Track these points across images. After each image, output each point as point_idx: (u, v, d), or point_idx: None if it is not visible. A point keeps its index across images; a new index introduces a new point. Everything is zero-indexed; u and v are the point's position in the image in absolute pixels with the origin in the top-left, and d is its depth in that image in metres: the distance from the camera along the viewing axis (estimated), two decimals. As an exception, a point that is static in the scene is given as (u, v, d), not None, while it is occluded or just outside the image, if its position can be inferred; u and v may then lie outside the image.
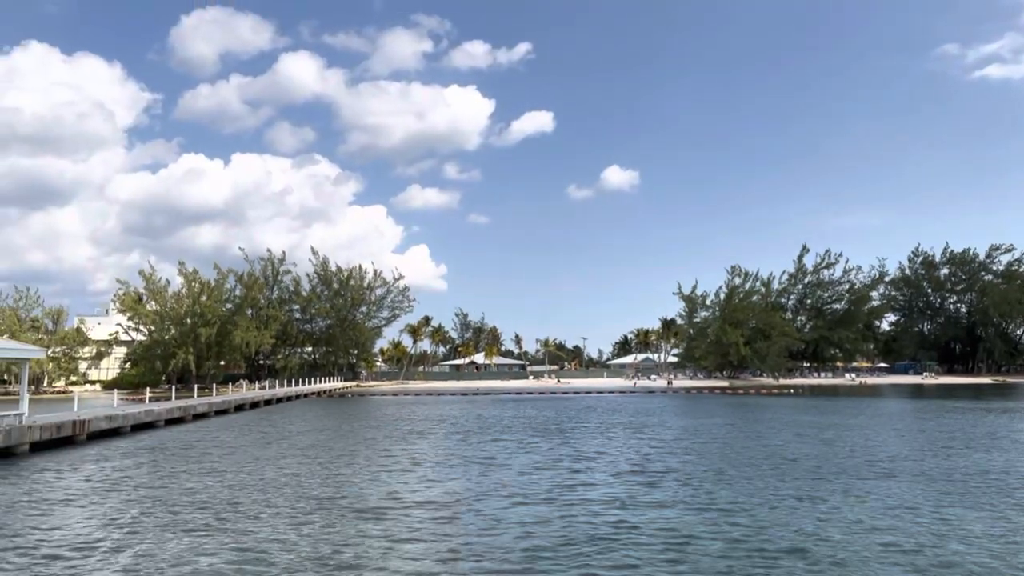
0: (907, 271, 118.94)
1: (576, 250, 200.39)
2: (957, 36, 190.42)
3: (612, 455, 20.48)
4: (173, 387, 47.83)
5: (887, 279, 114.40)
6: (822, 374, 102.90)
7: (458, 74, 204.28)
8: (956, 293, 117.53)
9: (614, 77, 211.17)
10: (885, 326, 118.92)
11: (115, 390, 56.67)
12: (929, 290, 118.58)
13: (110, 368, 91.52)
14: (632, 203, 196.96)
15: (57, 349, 79.36)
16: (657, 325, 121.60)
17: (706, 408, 43.58)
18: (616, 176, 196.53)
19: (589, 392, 68.11)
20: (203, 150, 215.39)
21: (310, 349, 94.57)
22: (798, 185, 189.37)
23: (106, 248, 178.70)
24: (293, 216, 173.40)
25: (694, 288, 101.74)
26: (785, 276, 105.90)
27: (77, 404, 30.72)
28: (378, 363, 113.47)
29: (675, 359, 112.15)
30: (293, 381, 67.85)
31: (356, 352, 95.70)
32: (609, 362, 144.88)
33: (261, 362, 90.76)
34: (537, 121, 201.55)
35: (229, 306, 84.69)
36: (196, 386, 54.34)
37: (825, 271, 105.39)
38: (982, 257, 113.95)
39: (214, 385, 56.06)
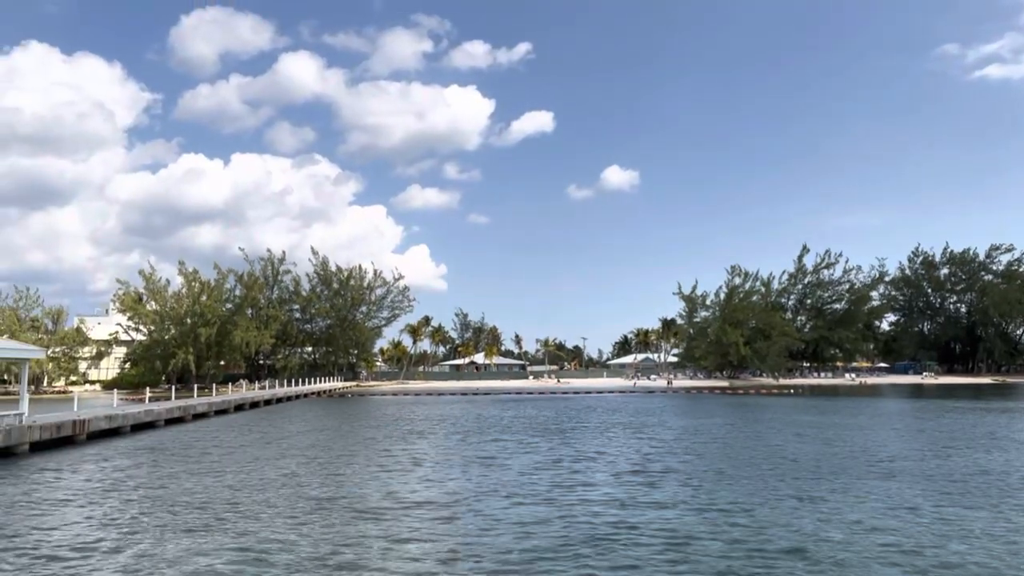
0: (907, 271, 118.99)
1: (576, 250, 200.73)
2: (957, 36, 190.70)
3: (612, 455, 20.48)
4: (173, 387, 47.83)
5: (887, 279, 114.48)
6: (822, 374, 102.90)
7: (458, 74, 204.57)
8: (956, 293, 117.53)
9: (614, 77, 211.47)
10: (885, 326, 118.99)
11: (115, 390, 56.65)
12: (929, 290, 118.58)
13: (110, 368, 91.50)
14: (632, 203, 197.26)
15: (57, 349, 79.34)
16: (657, 325, 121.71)
17: (706, 408, 43.58)
18: (616, 176, 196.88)
19: (589, 392, 68.10)
20: (203, 150, 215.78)
21: (310, 349, 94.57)
22: (798, 185, 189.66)
23: (106, 248, 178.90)
24: (293, 216, 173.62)
25: (694, 288, 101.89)
26: (785, 276, 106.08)
27: (77, 404, 30.73)
28: (378, 363, 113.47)
29: (675, 359, 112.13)
30: (293, 381, 67.82)
31: (356, 352, 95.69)
32: (609, 362, 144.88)
33: (261, 362, 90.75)
34: (537, 121, 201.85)
35: (229, 306, 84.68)
36: (196, 386, 54.31)
37: (825, 271, 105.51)
38: (982, 257, 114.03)
39: (214, 385, 56.04)
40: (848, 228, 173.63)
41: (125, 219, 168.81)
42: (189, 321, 79.36)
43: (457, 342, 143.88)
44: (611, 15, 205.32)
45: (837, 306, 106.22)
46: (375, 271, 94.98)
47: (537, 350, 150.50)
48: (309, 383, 71.91)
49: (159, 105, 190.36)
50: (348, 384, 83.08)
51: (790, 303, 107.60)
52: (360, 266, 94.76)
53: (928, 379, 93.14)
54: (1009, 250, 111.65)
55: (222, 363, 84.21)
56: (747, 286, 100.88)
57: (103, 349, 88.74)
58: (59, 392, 72.14)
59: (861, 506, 12.64)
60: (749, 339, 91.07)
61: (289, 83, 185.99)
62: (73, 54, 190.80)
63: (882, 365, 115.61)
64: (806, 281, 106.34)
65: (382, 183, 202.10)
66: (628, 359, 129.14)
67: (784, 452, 20.64)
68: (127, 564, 9.39)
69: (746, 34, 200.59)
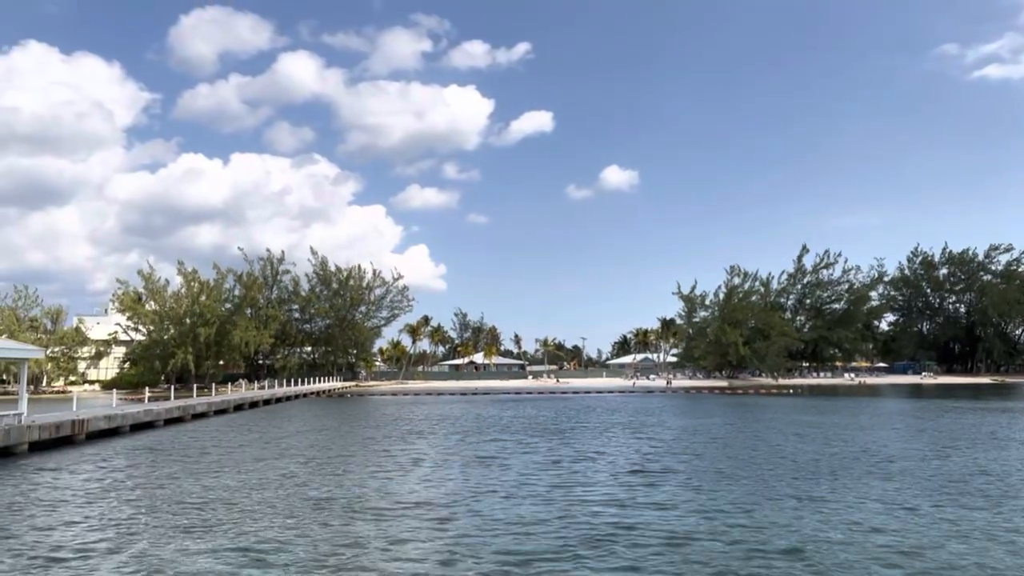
0: (906, 271, 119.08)
1: (575, 250, 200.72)
2: (956, 36, 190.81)
3: (611, 455, 20.48)
4: (172, 387, 47.81)
5: (886, 279, 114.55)
6: (821, 374, 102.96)
7: (457, 74, 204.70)
8: (955, 293, 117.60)
9: (613, 77, 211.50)
10: (884, 326, 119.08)
11: (114, 390, 56.63)
12: (928, 290, 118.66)
13: (109, 368, 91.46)
14: (631, 203, 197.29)
15: (56, 349, 79.31)
16: (656, 325, 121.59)
17: (705, 408, 43.59)
18: (615, 176, 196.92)
19: (588, 392, 68.12)
20: (202, 150, 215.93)
21: (309, 349, 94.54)
22: (798, 185, 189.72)
23: (105, 248, 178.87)
24: (292, 216, 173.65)
25: (693, 288, 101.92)
26: (784, 276, 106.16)
27: (76, 404, 30.72)
28: (377, 363, 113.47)
29: (674, 359, 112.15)
30: (292, 381, 67.81)
31: (355, 352, 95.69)
32: (608, 362, 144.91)
33: (260, 362, 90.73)
34: (536, 121, 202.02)
35: (228, 306, 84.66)
36: (195, 386, 54.29)
37: (824, 271, 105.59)
38: (981, 257, 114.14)
39: (213, 385, 56.03)
40: (848, 228, 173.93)
41: (124, 219, 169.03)
42: (188, 321, 79.35)
43: (456, 342, 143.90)
44: (610, 15, 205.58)
45: (836, 306, 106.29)
46: (374, 271, 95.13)
47: (536, 350, 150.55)
48: (308, 383, 71.90)
49: (158, 105, 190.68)
50: (347, 384, 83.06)
51: (789, 303, 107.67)
52: (359, 266, 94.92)
53: (927, 379, 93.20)
54: (1008, 250, 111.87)
55: (221, 363, 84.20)
56: (746, 286, 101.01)
57: (102, 349, 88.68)
58: (58, 392, 72.12)
59: (861, 506, 12.64)
60: (748, 339, 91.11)
61: (288, 83, 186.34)
62: (72, 54, 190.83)
63: (881, 365, 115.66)
64: (805, 281, 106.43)
65: (381, 183, 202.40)
66: (627, 359, 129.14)
67: (783, 452, 20.65)
68: (126, 564, 9.38)
69: (746, 34, 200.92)
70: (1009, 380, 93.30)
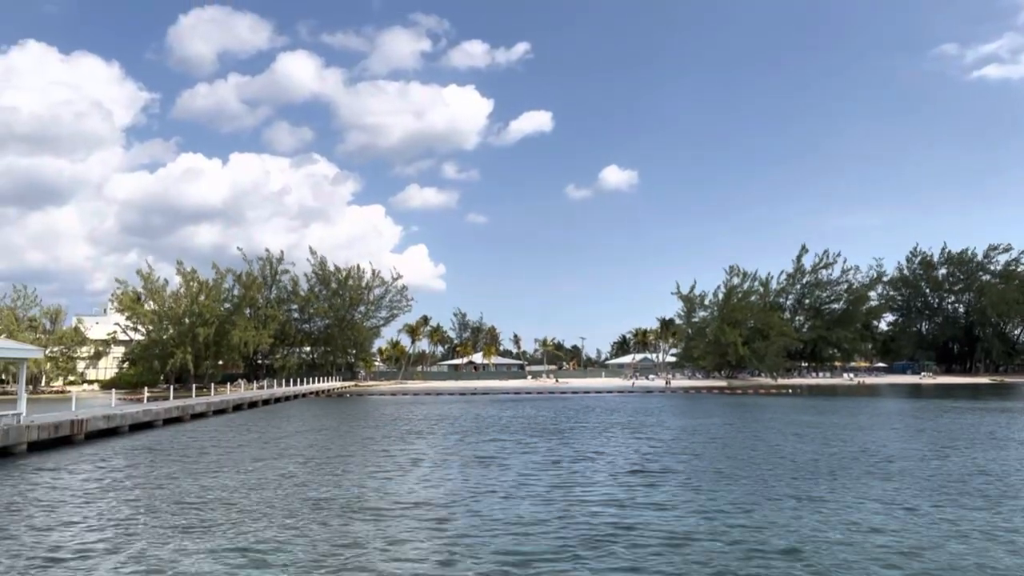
0: (905, 271, 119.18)
1: (575, 250, 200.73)
2: (956, 36, 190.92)
3: (610, 455, 20.48)
4: (171, 387, 47.79)
5: (885, 279, 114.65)
6: (820, 374, 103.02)
7: (457, 74, 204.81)
8: (954, 293, 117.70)
9: (612, 77, 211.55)
10: (883, 326, 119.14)
11: (113, 390, 56.59)
12: (927, 290, 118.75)
13: (108, 368, 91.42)
14: (631, 203, 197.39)
15: (55, 349, 79.26)
16: (655, 325, 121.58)
17: (704, 408, 43.60)
18: (614, 176, 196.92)
19: (587, 392, 68.13)
20: (201, 149, 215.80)
21: (308, 349, 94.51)
22: (798, 185, 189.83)
23: (104, 248, 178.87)
24: (291, 216, 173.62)
25: (692, 288, 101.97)
26: (783, 276, 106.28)
27: (75, 404, 30.69)
28: (376, 363, 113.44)
29: (673, 359, 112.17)
30: (291, 381, 67.82)
31: (354, 352, 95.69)
32: (607, 362, 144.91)
33: (259, 362, 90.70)
34: (535, 121, 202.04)
35: (227, 306, 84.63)
36: (194, 386, 54.30)
37: (823, 271, 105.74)
38: (980, 257, 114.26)
39: (212, 385, 56.01)
40: (848, 228, 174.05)
41: (123, 219, 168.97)
42: (187, 321, 79.32)
43: (455, 342, 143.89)
44: (610, 15, 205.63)
45: (835, 306, 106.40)
46: (373, 271, 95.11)
47: (535, 350, 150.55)
48: (307, 383, 71.88)
49: (157, 104, 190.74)
50: (346, 384, 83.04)
51: (788, 303, 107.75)
52: (358, 266, 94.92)
53: (926, 379, 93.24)
54: (1007, 250, 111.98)
55: (220, 363, 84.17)
56: (745, 286, 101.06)
57: (101, 349, 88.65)
58: (57, 392, 72.08)
59: (860, 506, 12.64)
60: (747, 339, 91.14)
61: (287, 82, 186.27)
62: (71, 53, 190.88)
63: (880, 365, 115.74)
64: (804, 281, 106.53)
65: (380, 183, 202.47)
66: (626, 359, 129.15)
67: (783, 452, 20.65)
68: (125, 564, 9.37)
69: (745, 34, 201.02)
70: (1008, 380, 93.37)
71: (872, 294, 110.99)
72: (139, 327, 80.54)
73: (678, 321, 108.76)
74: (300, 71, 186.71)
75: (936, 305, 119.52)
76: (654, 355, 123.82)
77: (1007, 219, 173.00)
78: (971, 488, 14.44)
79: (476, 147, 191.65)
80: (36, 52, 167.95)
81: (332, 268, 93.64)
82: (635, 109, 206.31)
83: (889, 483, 15.09)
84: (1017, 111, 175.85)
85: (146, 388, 43.32)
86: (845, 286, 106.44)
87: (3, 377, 72.90)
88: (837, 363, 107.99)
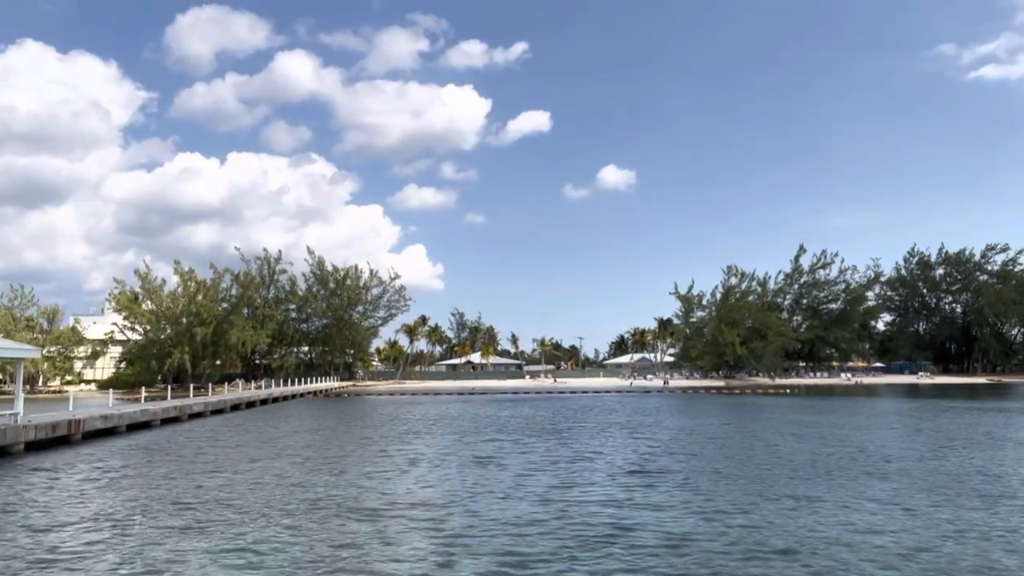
0: (903, 271, 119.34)
1: (573, 250, 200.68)
2: (953, 36, 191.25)
3: (608, 455, 20.48)
4: (169, 387, 47.71)
5: (883, 279, 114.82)
6: (818, 374, 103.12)
7: (455, 73, 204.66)
8: (951, 293, 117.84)
9: (611, 77, 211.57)
10: (881, 326, 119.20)
11: (110, 390, 56.41)
12: (925, 290, 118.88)
13: (105, 367, 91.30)
14: (629, 203, 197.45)
15: (52, 348, 79.17)
16: (653, 325, 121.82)
17: (702, 408, 43.63)
18: (613, 176, 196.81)
19: (586, 392, 68.14)
20: (199, 149, 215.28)
21: (306, 349, 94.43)
22: (798, 185, 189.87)
23: (102, 247, 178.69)
24: (289, 215, 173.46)
25: (690, 288, 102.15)
26: (781, 276, 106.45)
27: (72, 403, 30.62)
28: (374, 363, 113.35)
29: (671, 359, 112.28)
30: (289, 381, 67.76)
31: (352, 352, 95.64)
32: (606, 362, 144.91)
33: (257, 361, 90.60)
34: (534, 120, 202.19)
35: (225, 305, 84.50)
36: (192, 385, 54.10)
37: (821, 271, 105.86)
38: (977, 257, 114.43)
39: (210, 384, 55.95)
40: (848, 228, 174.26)
41: (121, 218, 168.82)
42: (185, 320, 79.19)
43: (454, 342, 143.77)
44: (608, 15, 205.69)
45: (833, 306, 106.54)
46: (371, 271, 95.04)
47: (534, 350, 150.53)
48: (305, 383, 71.83)
49: (155, 104, 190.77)
50: (344, 384, 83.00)
51: (786, 303, 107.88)
52: (356, 266, 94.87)
53: (924, 379, 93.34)
54: (1004, 250, 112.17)
55: (218, 363, 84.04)
56: (743, 286, 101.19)
57: (99, 348, 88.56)
58: (54, 392, 72.00)
59: (858, 506, 12.65)
60: (745, 339, 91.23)
61: (285, 82, 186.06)
62: (69, 52, 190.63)
63: (878, 365, 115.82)
64: (802, 281, 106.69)
65: (379, 182, 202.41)
66: (625, 359, 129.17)
67: (780, 452, 20.66)
68: (122, 565, 9.35)
69: (742, 34, 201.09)
70: (1005, 380, 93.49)
71: (870, 294, 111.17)
72: (136, 327, 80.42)
73: (676, 321, 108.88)
74: (298, 71, 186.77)
75: (933, 305, 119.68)
76: (652, 355, 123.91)
77: (1005, 219, 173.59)
78: (969, 488, 14.45)
79: (474, 147, 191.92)
80: (34, 51, 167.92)
81: (330, 268, 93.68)
82: (633, 109, 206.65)
83: (887, 483, 15.11)
84: (1014, 111, 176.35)
85: (143, 388, 43.29)
86: (843, 286, 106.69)
87: (0, 377, 72.75)
88: (835, 363, 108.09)
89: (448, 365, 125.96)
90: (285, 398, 56.59)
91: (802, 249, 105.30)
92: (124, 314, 79.64)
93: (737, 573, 8.84)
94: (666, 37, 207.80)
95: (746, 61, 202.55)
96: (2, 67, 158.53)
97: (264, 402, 50.56)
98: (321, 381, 78.94)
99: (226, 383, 58.98)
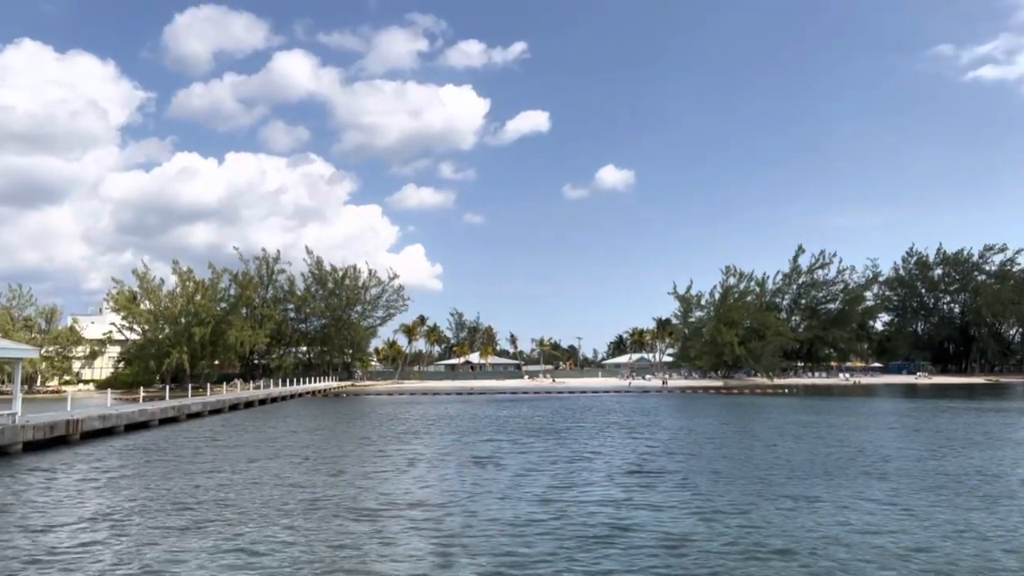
0: (901, 271, 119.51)
1: (571, 250, 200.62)
2: (951, 37, 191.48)
3: (607, 455, 20.49)
4: (167, 386, 47.67)
5: (881, 279, 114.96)
6: (816, 374, 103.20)
7: (453, 73, 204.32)
8: (950, 293, 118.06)
9: (609, 76, 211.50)
10: (879, 326, 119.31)
11: (108, 389, 56.32)
12: (923, 290, 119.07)
13: (103, 367, 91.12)
14: (627, 203, 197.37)
15: (50, 348, 79.00)
16: (652, 325, 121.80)
17: (701, 408, 43.65)
18: (611, 176, 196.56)
19: (584, 392, 68.16)
20: (197, 149, 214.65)
21: (305, 348, 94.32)
22: (798, 185, 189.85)
23: (100, 247, 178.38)
24: (288, 215, 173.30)
25: (689, 288, 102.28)
26: (780, 276, 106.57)
27: (70, 403, 30.55)
28: (373, 363, 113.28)
29: (670, 359, 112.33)
30: (288, 381, 67.71)
31: (351, 352, 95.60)
32: (604, 362, 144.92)
33: (256, 361, 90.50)
34: (532, 120, 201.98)
35: (223, 305, 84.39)
36: (190, 385, 54.02)
37: (819, 271, 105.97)
38: (975, 257, 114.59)
39: (208, 384, 55.89)
40: (848, 228, 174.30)
41: (119, 218, 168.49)
42: (183, 320, 79.07)
43: (452, 342, 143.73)
44: (606, 15, 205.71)
45: (831, 306, 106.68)
46: (370, 271, 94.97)
47: (532, 350, 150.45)
48: (304, 383, 71.79)
49: (153, 103, 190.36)
50: (343, 384, 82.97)
51: (784, 303, 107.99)
52: (355, 266, 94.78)
53: (922, 379, 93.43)
54: (1002, 250, 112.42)
55: (216, 363, 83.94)
56: (742, 286, 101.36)
57: (97, 348, 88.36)
58: (52, 392, 71.88)
59: (856, 507, 12.66)
60: (744, 339, 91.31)
61: (283, 82, 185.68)
62: (66, 52, 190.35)
63: (876, 365, 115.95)
64: (800, 281, 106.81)
65: (377, 182, 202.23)
66: (623, 359, 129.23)
67: (779, 452, 20.68)
68: (119, 565, 9.34)
69: (741, 35, 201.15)
70: (1003, 380, 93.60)
71: (868, 294, 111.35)
72: (135, 327, 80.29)
73: (675, 321, 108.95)
74: (296, 70, 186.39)
75: (932, 305, 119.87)
76: (651, 355, 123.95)
77: (1003, 219, 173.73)
78: (967, 488, 14.47)
79: (473, 147, 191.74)
80: (31, 51, 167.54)
81: (328, 268, 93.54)
82: (632, 109, 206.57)
83: (885, 483, 15.12)
84: (1012, 112, 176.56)
85: (142, 388, 43.24)
86: (841, 286, 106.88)
87: (-2, 377, 72.66)
88: (833, 363, 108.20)
89: (447, 365, 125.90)
90: (283, 398, 56.55)
91: (800, 249, 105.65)
92: (122, 314, 79.50)
93: (736, 573, 8.85)
94: (665, 37, 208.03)
95: (745, 61, 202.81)
96: (0, 66, 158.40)
97: (262, 402, 50.52)
98: (319, 381, 78.87)
99: (224, 383, 58.96)
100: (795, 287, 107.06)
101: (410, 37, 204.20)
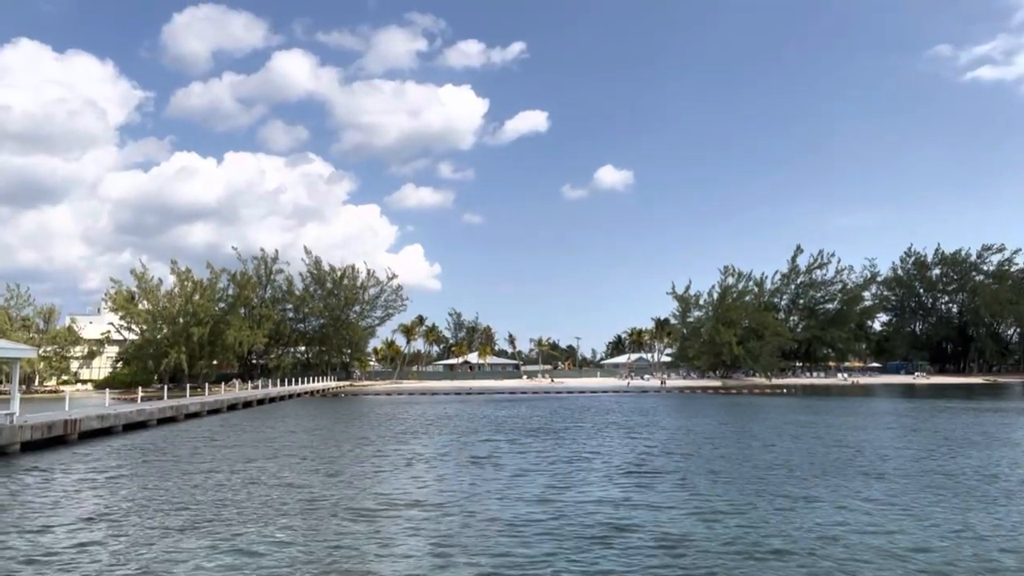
0: (899, 271, 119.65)
1: (570, 250, 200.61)
2: (950, 37, 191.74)
3: (605, 455, 20.49)
4: (165, 386, 47.62)
5: (879, 279, 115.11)
6: (815, 374, 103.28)
7: (452, 73, 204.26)
8: (948, 293, 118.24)
9: (608, 76, 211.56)
10: (877, 326, 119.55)
11: (107, 389, 56.28)
12: (921, 290, 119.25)
13: (102, 367, 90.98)
14: (626, 203, 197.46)
15: (48, 348, 78.86)
16: (651, 325, 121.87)
17: (699, 408, 43.67)
18: (610, 176, 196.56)
19: (583, 392, 68.18)
20: (196, 148, 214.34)
21: (303, 348, 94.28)
22: (799, 185, 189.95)
23: (98, 247, 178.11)
24: (286, 215, 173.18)
25: (687, 288, 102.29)
26: (778, 276, 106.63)
27: (68, 403, 30.51)
28: (371, 363, 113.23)
29: (668, 359, 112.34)
30: (286, 380, 67.65)
31: (349, 352, 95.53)
32: (603, 362, 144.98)
33: (254, 361, 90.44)
34: (531, 120, 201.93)
35: (222, 305, 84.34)
36: (188, 385, 53.97)
37: (818, 271, 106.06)
38: (973, 257, 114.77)
39: (207, 384, 55.84)
40: (849, 228, 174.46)
41: (117, 218, 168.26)
42: (182, 320, 79.02)
43: (451, 342, 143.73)
44: (606, 15, 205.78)
45: (830, 306, 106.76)
46: (368, 270, 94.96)
47: (531, 350, 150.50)
48: (302, 383, 71.75)
49: (151, 103, 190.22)
50: (341, 384, 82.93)
51: (783, 303, 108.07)
52: (353, 266, 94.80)
53: (920, 379, 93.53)
54: (1000, 250, 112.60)
55: (215, 362, 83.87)
56: (740, 286, 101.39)
57: (95, 348, 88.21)
58: (50, 391, 71.80)
59: (854, 506, 12.67)
60: (742, 339, 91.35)
61: (282, 81, 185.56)
62: (65, 52, 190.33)
63: (874, 365, 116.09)
64: (799, 281, 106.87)
65: (376, 182, 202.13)
66: (622, 359, 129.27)
67: (777, 452, 20.69)
68: (117, 564, 9.33)
69: (743, 34, 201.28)
70: (1001, 380, 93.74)
71: (866, 294, 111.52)
72: (133, 327, 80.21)
73: (673, 321, 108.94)
74: (295, 70, 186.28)
75: (930, 305, 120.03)
76: (649, 355, 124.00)
77: (1002, 220, 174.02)
78: (965, 488, 14.49)
79: (472, 147, 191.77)
80: (30, 50, 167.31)
81: (327, 268, 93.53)
82: (631, 109, 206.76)
83: (883, 483, 15.14)
84: (1011, 112, 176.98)
85: (140, 388, 43.21)
86: (839, 286, 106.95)
87: (-4, 377, 72.53)
88: (831, 363, 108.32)
89: (445, 365, 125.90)
90: (282, 398, 56.52)
91: (799, 249, 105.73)
92: (120, 314, 79.41)
93: (734, 573, 8.85)
94: (665, 37, 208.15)
95: (746, 61, 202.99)
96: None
97: (261, 402, 50.49)
98: (318, 381, 78.84)
99: (223, 383, 58.95)
100: (793, 287, 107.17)
101: (409, 37, 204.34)
